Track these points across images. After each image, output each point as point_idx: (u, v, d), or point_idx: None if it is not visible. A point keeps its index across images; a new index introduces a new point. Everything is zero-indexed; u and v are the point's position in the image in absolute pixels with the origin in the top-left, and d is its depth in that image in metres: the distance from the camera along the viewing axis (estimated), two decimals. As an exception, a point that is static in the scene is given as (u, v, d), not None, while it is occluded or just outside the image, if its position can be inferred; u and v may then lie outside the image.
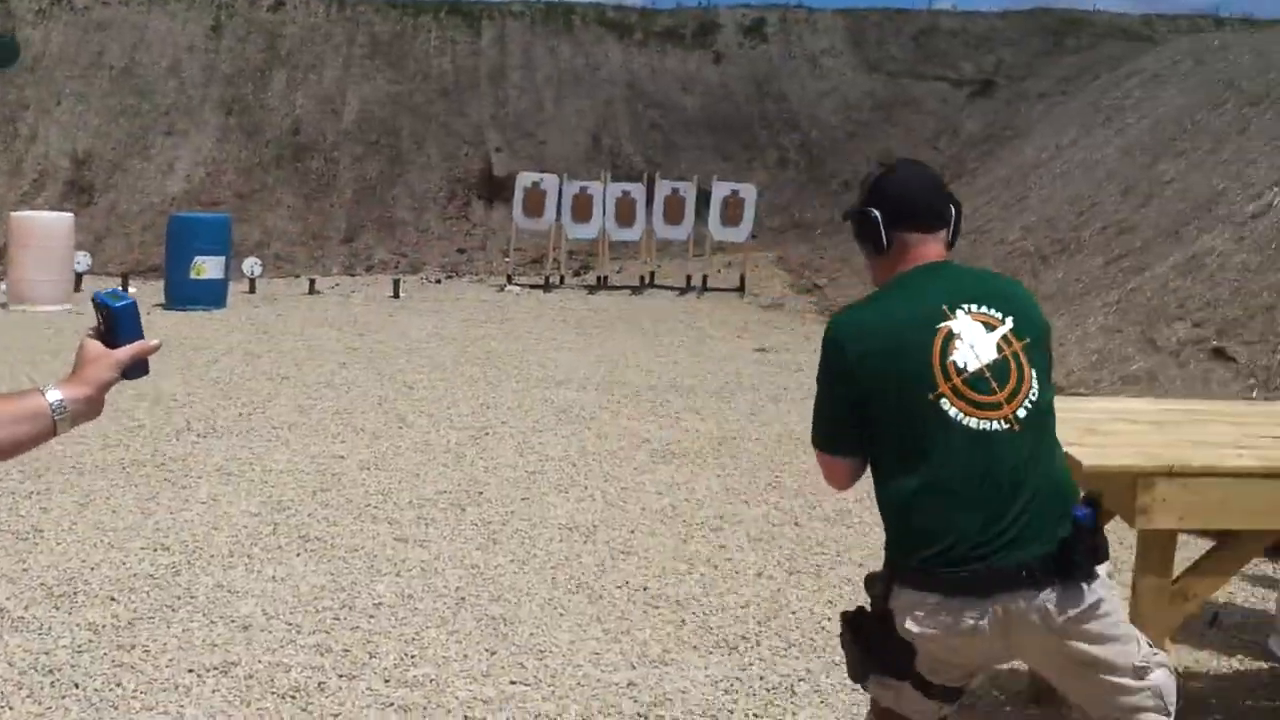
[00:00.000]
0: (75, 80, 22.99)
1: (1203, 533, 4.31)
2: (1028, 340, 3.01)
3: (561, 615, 5.29)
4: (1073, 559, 2.90)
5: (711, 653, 4.96)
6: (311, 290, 17.90)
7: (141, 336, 2.26)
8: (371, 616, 5.18)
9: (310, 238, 20.96)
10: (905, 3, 28.58)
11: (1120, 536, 4.96)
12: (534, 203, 18.91)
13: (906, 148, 22.57)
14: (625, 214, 18.79)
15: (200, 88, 23.29)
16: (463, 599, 5.43)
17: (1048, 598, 2.89)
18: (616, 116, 23.68)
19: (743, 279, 18.40)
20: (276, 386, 10.43)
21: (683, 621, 5.27)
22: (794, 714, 4.47)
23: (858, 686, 4.63)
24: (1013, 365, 2.97)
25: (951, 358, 2.94)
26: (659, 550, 6.22)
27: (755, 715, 4.45)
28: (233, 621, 5.07)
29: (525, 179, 19.26)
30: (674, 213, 18.67)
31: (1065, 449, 3.90)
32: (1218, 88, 16.07)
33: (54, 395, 2.16)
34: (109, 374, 2.23)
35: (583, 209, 18.78)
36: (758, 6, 26.11)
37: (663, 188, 18.84)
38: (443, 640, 4.96)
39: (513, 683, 4.63)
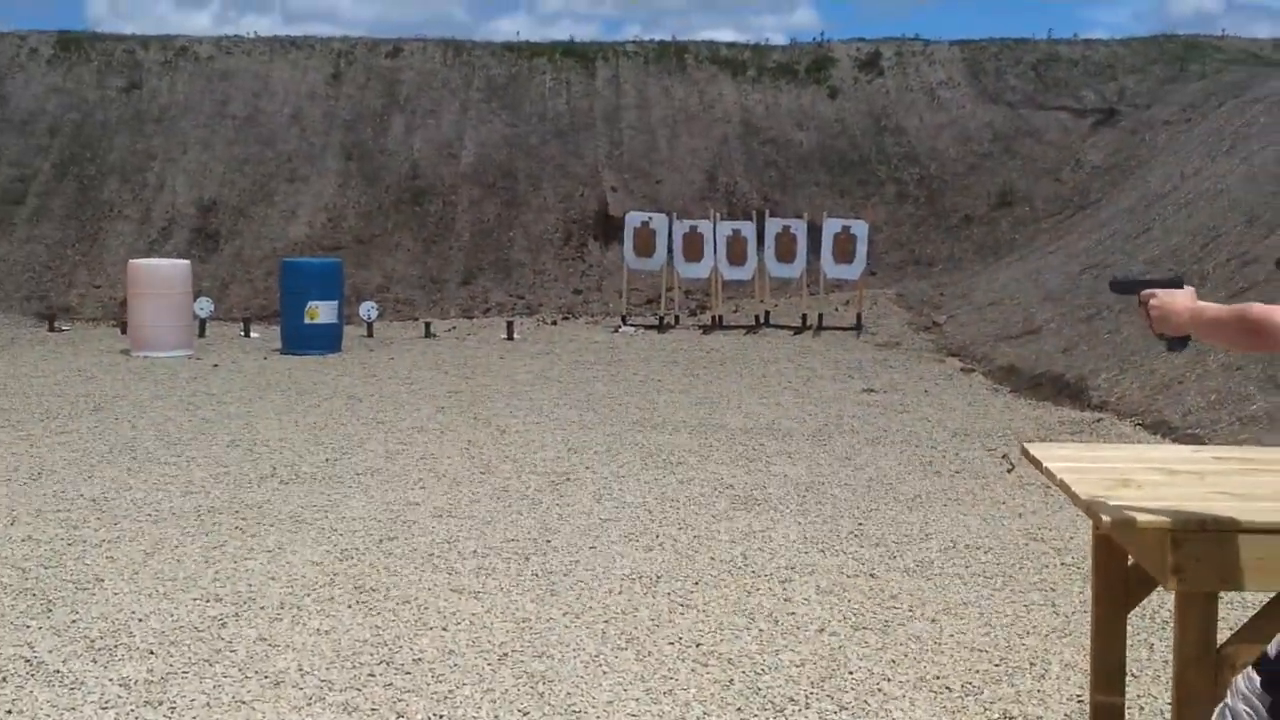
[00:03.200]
0: (200, 129, 23.52)
1: None
2: None
3: (605, 673, 5.09)
4: None
5: (756, 715, 4.71)
6: (427, 333, 18.00)
7: None
8: (408, 673, 5.03)
9: (429, 281, 21.11)
10: (1024, 32, 27.88)
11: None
12: (644, 242, 18.82)
13: (1028, 179, 22.05)
14: (737, 253, 18.60)
15: (321, 134, 23.67)
16: (506, 654, 5.26)
17: None
18: (731, 154, 23.50)
19: (859, 317, 18.07)
20: (370, 431, 10.42)
21: (731, 681, 5.03)
22: (832, 784, 4.21)
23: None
24: None
25: None
26: (720, 603, 5.98)
27: (790, 785, 4.19)
28: (266, 677, 4.96)
29: (635, 218, 19.19)
30: (786, 251, 18.42)
31: (1089, 504, 3.61)
32: (1351, 112, 15.38)
33: None
34: None
35: (693, 248, 18.63)
36: (873, 40, 25.77)
37: (773, 225, 18.62)
38: (476, 699, 4.79)
39: (540, 746, 4.44)
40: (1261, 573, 3.50)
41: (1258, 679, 3.00)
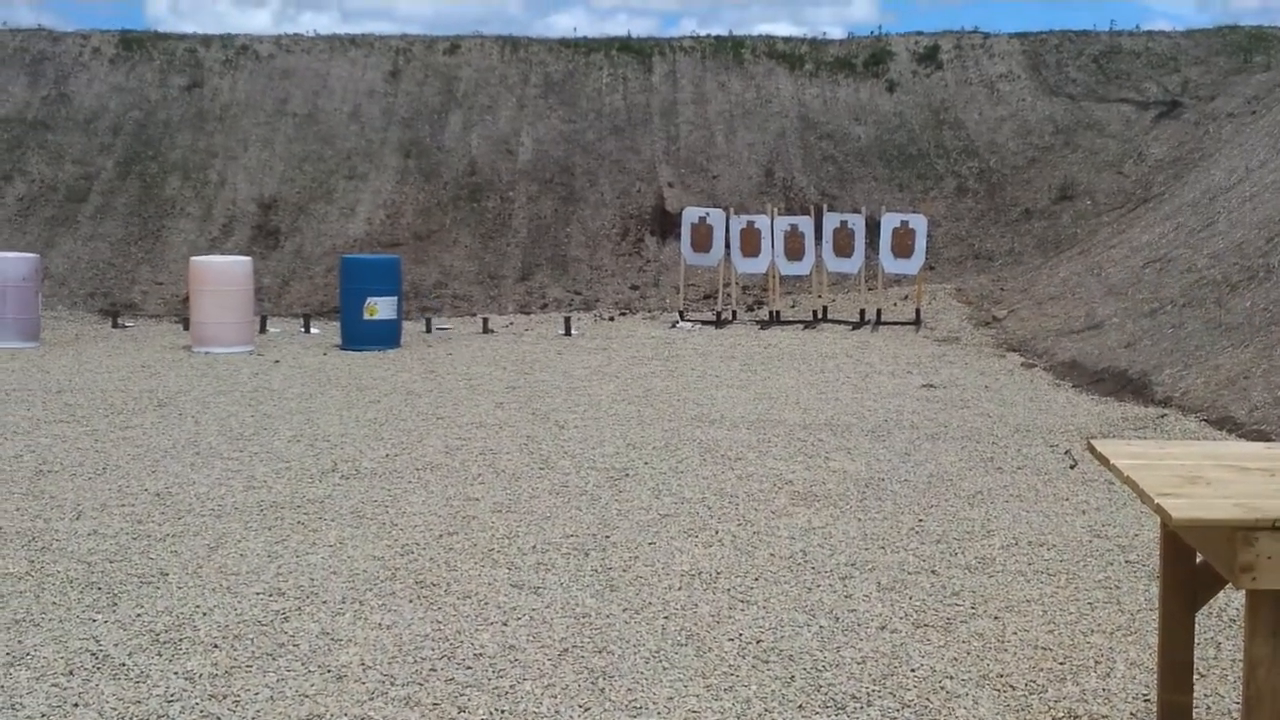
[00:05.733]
0: (261, 127, 23.72)
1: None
2: None
3: (665, 669, 5.08)
4: None
5: (818, 713, 4.69)
6: (485, 329, 18.06)
7: None
8: (469, 668, 5.05)
9: (486, 277, 21.18)
10: (1085, 24, 27.61)
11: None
12: (701, 238, 18.80)
13: (1089, 173, 21.81)
14: (794, 248, 18.53)
15: (380, 131, 23.80)
16: (566, 650, 5.27)
17: None
18: (788, 149, 23.41)
19: (918, 312, 17.95)
20: (429, 427, 10.46)
21: (792, 678, 5.01)
22: (895, 783, 4.18)
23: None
24: None
25: None
26: (780, 600, 5.96)
27: (853, 783, 4.17)
28: (329, 671, 4.99)
29: (692, 214, 19.17)
30: (843, 246, 18.33)
31: (1158, 500, 3.56)
32: None
33: None
34: None
35: (750, 243, 18.58)
36: (932, 33, 25.57)
37: (831, 220, 18.54)
38: (537, 695, 4.80)
39: (601, 742, 4.44)
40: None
41: None
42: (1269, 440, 8.79)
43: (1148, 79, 23.78)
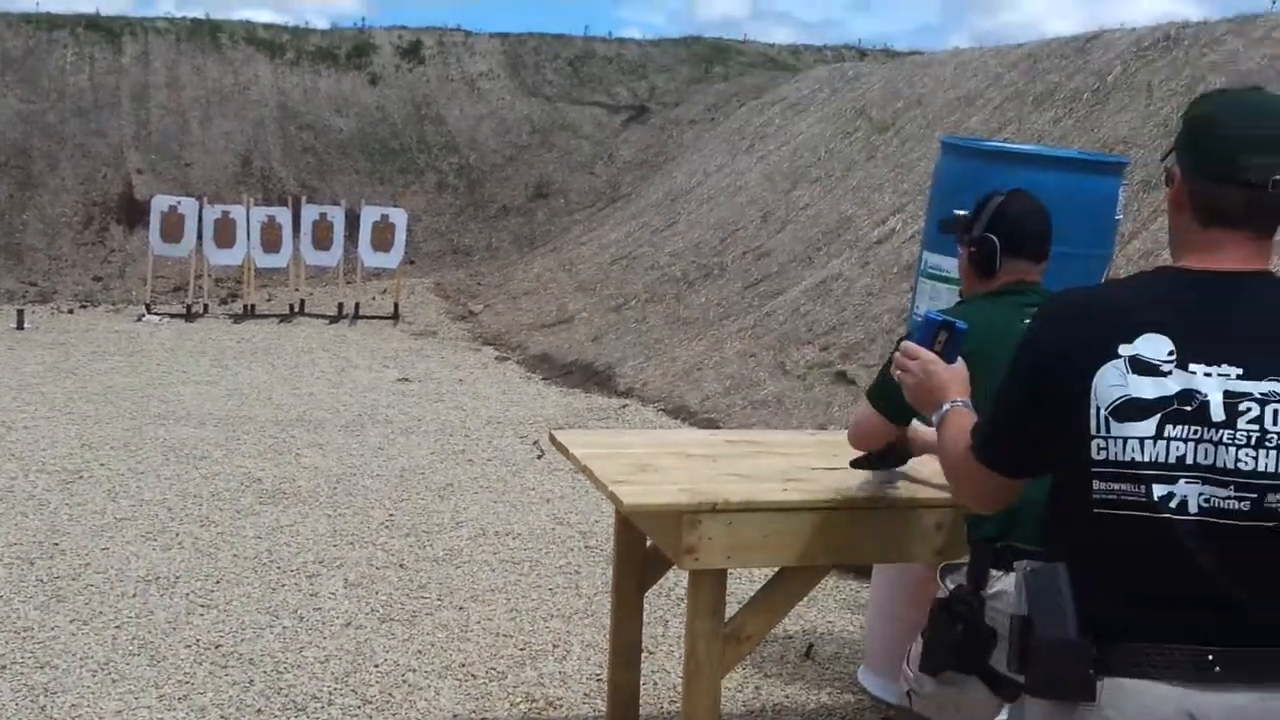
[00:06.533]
0: None
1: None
2: None
3: (115, 681, 4.81)
4: None
5: (277, 716, 4.59)
6: (-76, 324, 16.50)
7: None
8: (-114, 696, 4.58)
9: (-72, 266, 19.37)
10: (563, 28, 28.70)
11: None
12: (172, 227, 17.98)
13: (564, 172, 22.61)
14: (271, 239, 18.08)
15: None
16: (4, 666, 4.88)
17: None
18: (267, 138, 22.83)
19: (396, 306, 17.96)
20: None
21: (251, 681, 4.87)
22: (353, 781, 4.14)
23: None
24: None
25: None
26: (242, 602, 5.78)
27: (310, 785, 4.09)
28: None
29: (162, 202, 18.29)
30: (322, 238, 18.07)
31: (611, 488, 3.72)
32: (850, 115, 16.64)
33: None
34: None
35: (225, 234, 17.95)
36: (415, 28, 25.66)
37: (310, 212, 18.22)
38: (-35, 719, 4.42)
39: (37, 765, 4.14)
40: (765, 550, 3.73)
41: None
42: (718, 428, 9.41)
43: (619, 84, 24.88)
